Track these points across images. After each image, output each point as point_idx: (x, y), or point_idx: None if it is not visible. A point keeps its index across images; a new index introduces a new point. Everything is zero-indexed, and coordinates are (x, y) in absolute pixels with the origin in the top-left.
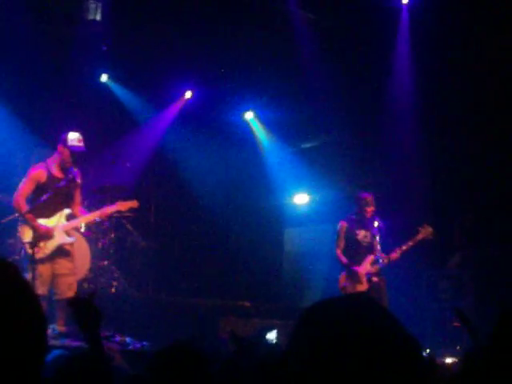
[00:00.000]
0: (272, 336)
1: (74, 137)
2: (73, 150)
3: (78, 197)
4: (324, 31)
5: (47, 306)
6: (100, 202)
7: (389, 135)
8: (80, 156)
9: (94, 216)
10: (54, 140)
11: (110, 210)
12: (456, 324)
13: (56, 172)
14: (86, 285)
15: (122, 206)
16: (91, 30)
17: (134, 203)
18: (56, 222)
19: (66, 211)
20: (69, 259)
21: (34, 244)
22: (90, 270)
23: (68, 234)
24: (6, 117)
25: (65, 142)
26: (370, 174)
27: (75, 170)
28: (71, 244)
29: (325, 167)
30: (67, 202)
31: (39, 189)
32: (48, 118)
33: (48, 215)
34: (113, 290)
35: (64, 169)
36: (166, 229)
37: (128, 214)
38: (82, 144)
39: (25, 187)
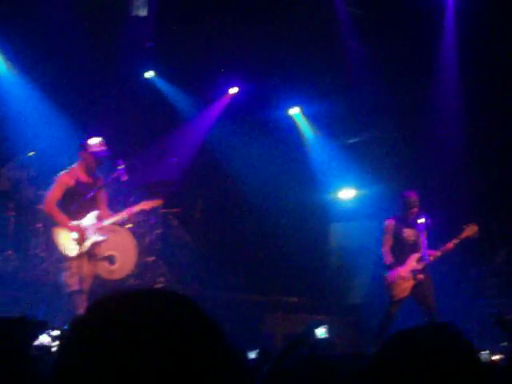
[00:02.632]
0: (322, 331)
1: (95, 142)
2: (96, 155)
3: (103, 198)
4: (370, 27)
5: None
6: (147, 197)
7: (435, 131)
8: (103, 159)
9: (121, 216)
10: (100, 134)
11: (135, 209)
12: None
13: (83, 177)
14: (131, 280)
15: (146, 204)
16: (137, 26)
17: (158, 201)
18: (88, 222)
19: (96, 212)
20: (107, 259)
21: (78, 242)
22: (137, 265)
23: (100, 232)
24: (54, 114)
25: (86, 148)
26: (417, 170)
27: (121, 167)
28: (105, 241)
29: (371, 162)
30: (95, 204)
31: (68, 194)
32: (95, 114)
33: (80, 218)
34: (159, 285)
35: (90, 173)
36: (212, 224)
37: (175, 210)
38: (104, 148)
39: (53, 193)
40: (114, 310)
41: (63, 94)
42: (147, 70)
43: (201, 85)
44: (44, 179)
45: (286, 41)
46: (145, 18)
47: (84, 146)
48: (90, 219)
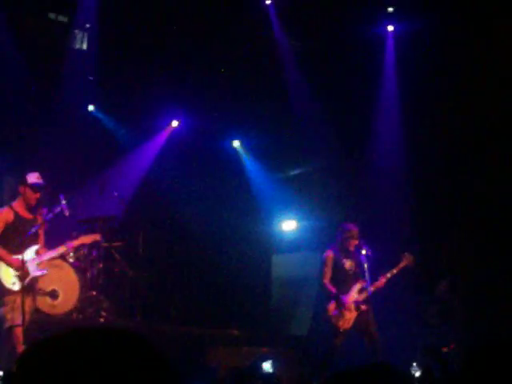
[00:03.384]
0: (267, 366)
1: (32, 175)
2: (33, 186)
3: (42, 233)
4: (310, 58)
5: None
6: (88, 232)
7: (375, 162)
8: (41, 191)
9: (60, 250)
10: (40, 168)
11: (74, 243)
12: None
13: (23, 212)
14: (74, 315)
15: (86, 239)
16: (78, 60)
17: (96, 236)
18: (28, 256)
19: (35, 247)
20: (47, 293)
21: (20, 277)
22: (79, 300)
23: (39, 267)
24: None
25: (24, 182)
26: (357, 200)
27: (63, 203)
28: (44, 275)
29: (312, 194)
30: (34, 238)
31: (8, 229)
32: (36, 148)
33: (19, 253)
34: (101, 319)
35: (30, 208)
36: (155, 258)
37: (117, 244)
38: (41, 181)
39: None
40: (63, 350)
41: (2, 128)
42: (88, 103)
43: (142, 118)
44: None
45: (227, 73)
46: (85, 51)
47: (24, 181)
48: (29, 254)
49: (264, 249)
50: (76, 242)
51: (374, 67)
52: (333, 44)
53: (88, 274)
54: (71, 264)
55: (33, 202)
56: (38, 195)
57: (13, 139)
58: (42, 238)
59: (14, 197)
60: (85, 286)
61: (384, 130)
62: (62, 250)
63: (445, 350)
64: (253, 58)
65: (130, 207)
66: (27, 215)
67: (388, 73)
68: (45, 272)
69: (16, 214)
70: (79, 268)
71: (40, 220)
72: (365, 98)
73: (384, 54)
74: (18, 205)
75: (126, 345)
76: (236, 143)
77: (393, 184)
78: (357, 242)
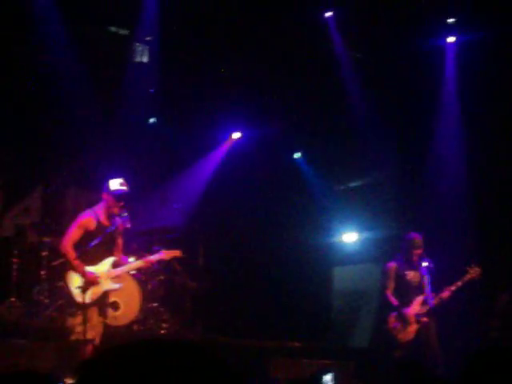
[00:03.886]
0: (328, 379)
1: (116, 182)
2: (116, 194)
3: (120, 243)
4: (371, 70)
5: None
6: (148, 243)
7: (436, 174)
8: (125, 198)
9: (139, 265)
10: (102, 183)
11: (154, 258)
12: None
13: (104, 220)
14: (135, 326)
15: (166, 255)
16: (139, 73)
17: (177, 252)
18: (103, 269)
19: (112, 259)
20: (116, 306)
21: (84, 289)
22: (140, 311)
23: (115, 281)
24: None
25: (107, 188)
26: (419, 212)
27: (125, 215)
28: (118, 290)
29: (373, 206)
30: (112, 248)
31: (87, 236)
32: (98, 160)
33: (94, 262)
34: (162, 331)
35: (111, 216)
36: (215, 270)
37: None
38: (126, 187)
39: (73, 234)
40: (126, 361)
41: (65, 140)
42: (151, 116)
43: (203, 130)
44: (48, 225)
45: (289, 85)
46: (146, 64)
47: (107, 187)
48: (104, 266)
49: (325, 261)
50: (154, 258)
51: (435, 79)
52: (393, 56)
53: (149, 286)
54: (132, 275)
55: (115, 211)
56: (121, 203)
57: (75, 151)
58: (119, 247)
59: (77, 206)
60: (146, 297)
61: (445, 143)
62: (140, 264)
63: None
64: (314, 70)
65: (190, 219)
66: (107, 222)
67: (448, 85)
68: (120, 286)
69: (98, 222)
70: (140, 279)
71: (120, 228)
72: (425, 110)
73: (444, 66)
74: (100, 212)
75: (192, 357)
76: (297, 155)
77: (455, 196)
78: (421, 251)
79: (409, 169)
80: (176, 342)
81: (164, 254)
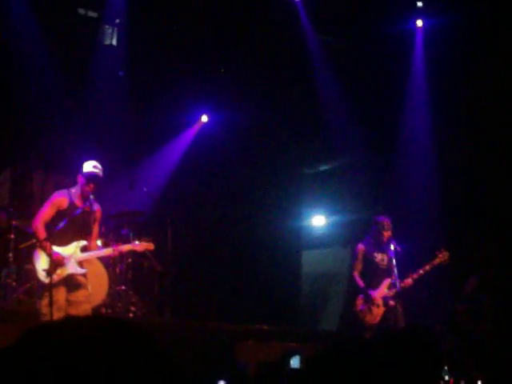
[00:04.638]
0: (295, 361)
1: (89, 164)
2: (87, 176)
3: (95, 230)
4: (339, 54)
5: None
6: (117, 227)
7: (405, 157)
8: (97, 181)
9: (108, 252)
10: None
11: (124, 248)
12: None
13: (77, 201)
14: (103, 310)
15: (138, 246)
16: (107, 55)
17: (150, 245)
18: (71, 251)
19: (82, 242)
20: (83, 288)
21: (50, 271)
22: (108, 295)
23: (81, 264)
24: None
25: (81, 170)
26: (387, 196)
27: (92, 197)
28: (83, 274)
29: (341, 190)
30: (84, 232)
31: (58, 216)
32: (66, 143)
33: (64, 243)
34: (130, 314)
35: (84, 198)
36: (183, 253)
37: (145, 239)
38: (97, 170)
39: (45, 212)
40: (57, 337)
41: (30, 124)
42: (118, 98)
43: (171, 113)
44: (16, 209)
45: (257, 68)
46: (115, 46)
47: (80, 170)
48: (73, 248)
49: (294, 244)
50: (125, 248)
51: (403, 63)
52: (361, 40)
53: (117, 269)
54: (100, 258)
55: (86, 193)
56: (91, 186)
57: (43, 134)
58: (94, 233)
59: (45, 189)
60: (114, 280)
61: (413, 126)
62: (108, 252)
63: None
64: (283, 54)
65: (158, 203)
66: (80, 204)
67: (417, 69)
68: (84, 271)
69: (71, 202)
70: (108, 263)
71: (96, 214)
72: (394, 93)
73: (413, 50)
74: (74, 193)
75: (123, 337)
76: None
77: (423, 180)
78: (389, 233)
79: (378, 152)
80: (105, 321)
81: (137, 246)
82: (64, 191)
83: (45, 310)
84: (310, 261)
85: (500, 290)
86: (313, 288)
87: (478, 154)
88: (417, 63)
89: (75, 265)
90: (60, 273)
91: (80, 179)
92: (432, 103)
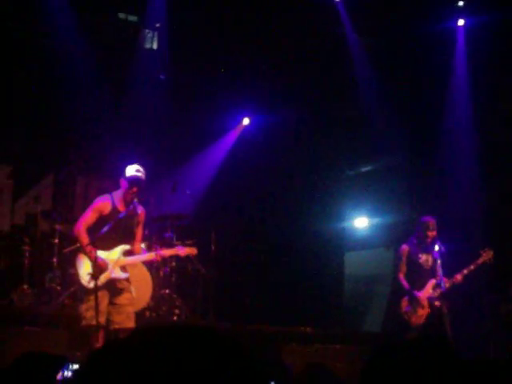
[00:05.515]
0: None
1: (132, 168)
2: (130, 180)
3: (139, 233)
4: (380, 55)
5: (106, 336)
6: (160, 230)
7: (448, 158)
8: (139, 184)
9: (151, 257)
10: (113, 170)
11: (168, 253)
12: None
13: (120, 205)
14: (147, 313)
15: (181, 251)
16: (148, 59)
17: (193, 250)
18: (115, 256)
19: (125, 247)
20: (127, 290)
21: (95, 275)
22: (152, 298)
23: (124, 269)
24: None
25: (124, 174)
26: (430, 197)
27: (136, 201)
28: (126, 279)
29: (384, 191)
30: (127, 236)
31: (101, 221)
32: (108, 148)
33: (107, 248)
34: (174, 317)
35: (127, 202)
36: (227, 256)
37: (189, 242)
38: (140, 174)
39: (88, 217)
40: (140, 348)
41: (75, 128)
42: (160, 102)
43: (213, 116)
44: (59, 213)
45: (299, 72)
46: (155, 50)
47: (124, 173)
48: (116, 254)
49: (336, 246)
50: (169, 253)
51: (445, 62)
52: (403, 40)
53: (161, 273)
54: (144, 262)
55: (129, 197)
56: (135, 190)
57: (86, 139)
58: (138, 236)
59: (87, 194)
60: (158, 284)
61: (455, 126)
62: (150, 257)
63: None
64: (324, 56)
65: (202, 205)
66: (122, 208)
67: (459, 68)
68: (126, 276)
69: (113, 206)
70: (152, 266)
71: (140, 217)
72: (436, 94)
73: (454, 49)
74: (117, 197)
75: (206, 342)
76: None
77: (466, 181)
78: (434, 233)
79: (420, 153)
80: (190, 328)
81: (180, 251)
82: (107, 196)
83: (87, 314)
84: (353, 262)
85: None
86: (356, 290)
87: None
88: (458, 62)
89: (118, 269)
90: (103, 278)
91: (123, 183)
92: (474, 102)
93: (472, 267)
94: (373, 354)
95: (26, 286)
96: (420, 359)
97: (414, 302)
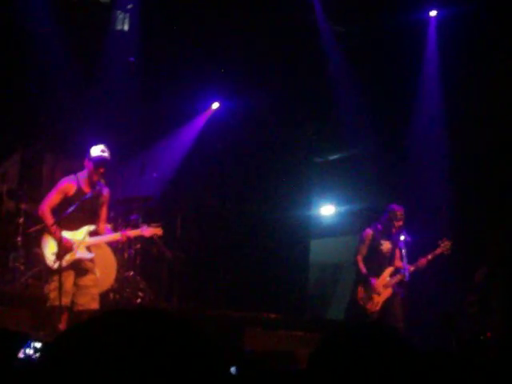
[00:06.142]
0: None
1: (97, 148)
2: (95, 160)
3: (104, 213)
4: (352, 44)
5: (69, 317)
6: (126, 212)
7: (416, 147)
8: (104, 165)
9: (116, 237)
10: (82, 150)
11: (133, 233)
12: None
13: (84, 186)
14: (111, 295)
15: (146, 231)
16: (119, 41)
17: (158, 231)
18: (79, 236)
19: (90, 227)
20: (91, 272)
21: (60, 256)
22: (116, 280)
23: (89, 249)
24: None
25: (89, 154)
26: (397, 185)
27: (102, 182)
28: (91, 259)
29: (351, 179)
30: (92, 217)
31: (66, 201)
32: (76, 127)
33: (72, 228)
34: (138, 300)
35: (92, 183)
36: (192, 240)
37: (154, 225)
38: (105, 154)
39: (52, 198)
40: (102, 331)
41: (40, 108)
42: (129, 84)
43: (182, 100)
44: (25, 192)
45: (268, 56)
46: (127, 32)
47: (88, 153)
48: (81, 233)
49: (302, 233)
50: (133, 233)
51: (416, 52)
52: (374, 30)
53: (125, 255)
54: (109, 243)
55: (95, 178)
56: (101, 170)
57: (54, 118)
58: (103, 216)
59: (54, 173)
60: (122, 266)
61: (425, 117)
62: (116, 237)
63: (482, 338)
64: (294, 40)
65: (168, 188)
66: (87, 189)
67: (430, 59)
68: (92, 256)
69: (78, 187)
70: (116, 248)
71: (105, 197)
72: (406, 83)
73: (426, 40)
74: (82, 178)
75: (171, 328)
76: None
77: (432, 171)
78: (401, 223)
79: (388, 142)
80: (154, 312)
81: (145, 231)
82: (72, 177)
83: (52, 294)
84: (319, 250)
85: (509, 280)
86: (321, 277)
87: (490, 143)
88: (430, 53)
89: (83, 249)
90: (68, 258)
91: (88, 164)
92: (445, 93)
93: (429, 257)
94: (322, 338)
95: None
96: (366, 346)
97: (370, 288)
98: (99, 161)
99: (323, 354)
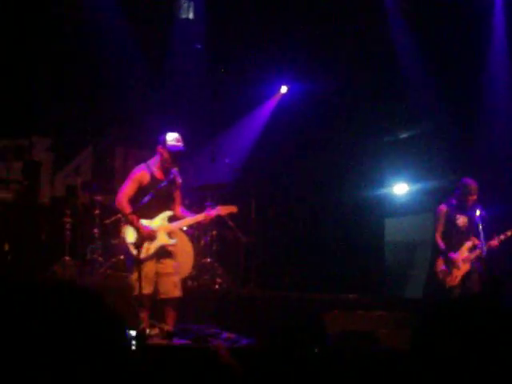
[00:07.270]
0: None
1: (172, 137)
2: (172, 150)
3: (178, 198)
4: (418, 20)
5: (152, 305)
6: (200, 200)
7: (488, 123)
8: (180, 155)
9: (196, 220)
10: (155, 138)
11: (213, 212)
12: None
13: (157, 173)
14: (189, 282)
15: (223, 210)
16: (186, 29)
17: (233, 208)
18: (159, 223)
19: (169, 213)
20: (173, 258)
21: (138, 245)
22: (193, 267)
23: (170, 235)
24: None
25: (164, 142)
26: (471, 163)
27: (175, 169)
28: (174, 245)
29: (423, 156)
30: (169, 203)
31: (141, 190)
32: (146, 119)
33: (150, 216)
34: (216, 286)
35: (165, 170)
36: (267, 224)
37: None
38: (180, 144)
39: (127, 188)
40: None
41: (111, 99)
42: (197, 71)
43: (251, 85)
44: (99, 184)
45: (335, 39)
46: (192, 20)
47: (163, 141)
48: (160, 220)
49: (377, 213)
50: (214, 213)
51: (484, 26)
52: (441, 4)
53: (202, 242)
54: (185, 231)
55: (170, 166)
56: (175, 160)
57: (124, 110)
58: (178, 201)
59: (125, 167)
60: (199, 253)
61: (495, 90)
62: (199, 218)
63: None
64: (361, 21)
65: (242, 174)
66: (160, 176)
67: (497, 32)
68: (176, 241)
69: (152, 176)
70: (193, 235)
71: (178, 183)
72: (475, 57)
73: (493, 13)
74: (154, 166)
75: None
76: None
77: (506, 146)
78: (475, 197)
79: (459, 117)
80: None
81: (221, 210)
82: (143, 166)
83: (136, 283)
84: (393, 229)
85: None
86: (397, 256)
87: None
88: (497, 26)
89: (165, 236)
90: (151, 246)
91: (161, 151)
92: None
93: (509, 233)
94: (424, 314)
95: (67, 258)
96: (473, 317)
97: (449, 262)
98: (175, 151)
99: (428, 333)
